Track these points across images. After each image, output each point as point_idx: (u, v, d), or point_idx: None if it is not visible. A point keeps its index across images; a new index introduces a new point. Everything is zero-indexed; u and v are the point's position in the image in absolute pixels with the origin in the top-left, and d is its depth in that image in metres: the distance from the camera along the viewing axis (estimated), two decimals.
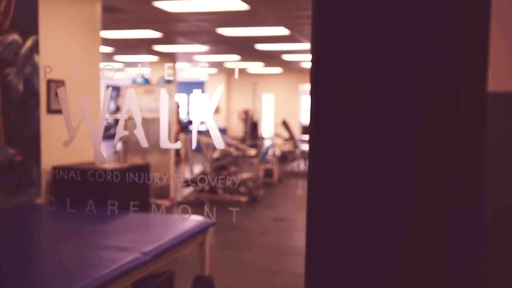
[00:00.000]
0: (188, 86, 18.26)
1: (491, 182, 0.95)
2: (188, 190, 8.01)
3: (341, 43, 0.99)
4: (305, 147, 12.44)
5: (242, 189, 8.06)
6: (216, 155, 8.16)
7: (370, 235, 0.99)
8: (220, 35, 8.52)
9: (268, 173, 10.12)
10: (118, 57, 11.96)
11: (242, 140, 11.91)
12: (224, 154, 8.13)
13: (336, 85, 0.99)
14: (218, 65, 14.31)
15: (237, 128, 15.68)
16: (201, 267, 3.63)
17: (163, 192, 7.26)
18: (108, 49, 10.31)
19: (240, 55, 11.93)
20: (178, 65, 13.70)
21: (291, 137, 12.55)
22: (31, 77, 3.95)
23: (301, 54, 11.44)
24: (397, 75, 0.97)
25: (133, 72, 14.41)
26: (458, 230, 0.94)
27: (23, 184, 3.89)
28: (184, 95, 17.63)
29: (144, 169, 5.10)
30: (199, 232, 3.42)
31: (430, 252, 0.95)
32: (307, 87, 17.26)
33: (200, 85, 18.31)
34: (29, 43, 3.94)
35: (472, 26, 0.92)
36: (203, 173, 8.08)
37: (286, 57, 12.08)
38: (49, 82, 4.21)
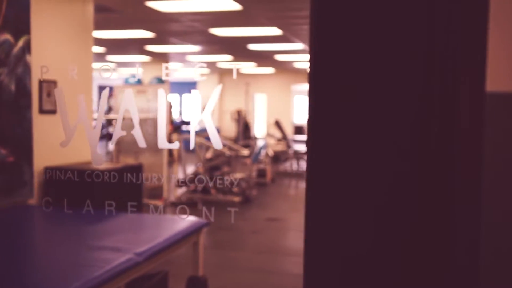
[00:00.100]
0: (180, 86, 18.21)
1: (490, 182, 0.95)
2: (181, 191, 7.99)
3: (340, 43, 0.98)
4: (298, 147, 12.46)
5: (235, 189, 8.06)
6: (209, 155, 8.15)
7: (370, 235, 0.99)
8: (213, 35, 8.51)
9: (261, 173, 10.13)
10: (110, 57, 11.91)
11: (235, 140, 11.90)
12: (217, 154, 8.12)
13: (335, 84, 0.99)
14: (211, 65, 14.28)
15: (230, 128, 15.67)
16: (194, 268, 3.62)
17: (156, 193, 7.24)
18: (100, 49, 10.27)
19: (233, 55, 11.92)
20: (171, 65, 13.67)
21: (284, 137, 12.56)
22: (23, 77, 3.93)
23: (294, 54, 11.45)
24: (397, 75, 0.96)
25: (125, 72, 14.37)
26: (458, 230, 0.94)
27: (15, 185, 3.86)
28: (176, 95, 17.59)
29: (137, 169, 5.08)
30: (192, 233, 3.42)
31: (429, 252, 0.95)
32: (299, 87, 17.28)
33: (192, 85, 18.28)
34: (21, 43, 3.92)
35: (472, 26, 0.92)
36: (196, 173, 8.07)
37: (278, 57, 12.09)
38: (41, 82, 4.18)
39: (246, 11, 6.46)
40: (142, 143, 1.11)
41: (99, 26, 6.87)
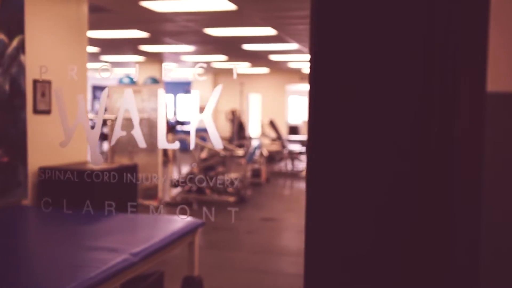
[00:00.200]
0: (174, 86, 18.18)
1: (490, 182, 0.95)
2: (175, 191, 7.98)
3: (340, 43, 0.98)
4: (293, 147, 12.47)
5: (230, 189, 8.05)
6: (203, 155, 8.15)
7: (370, 235, 0.99)
8: (207, 35, 8.50)
9: (256, 173, 10.12)
10: (104, 57, 11.88)
11: (230, 140, 11.90)
12: (212, 154, 8.11)
13: (335, 84, 0.98)
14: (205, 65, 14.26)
15: (224, 128, 15.66)
16: (190, 268, 3.61)
17: (151, 193, 7.22)
18: (94, 49, 10.24)
19: (227, 55, 11.92)
20: (168, 65, 13.64)
21: (279, 137, 12.56)
22: (17, 77, 3.91)
23: (288, 54, 11.45)
24: (397, 75, 0.96)
25: (119, 72, 14.33)
26: (458, 230, 0.94)
27: (10, 185, 3.84)
28: (170, 95, 17.56)
29: (132, 169, 5.06)
30: (188, 233, 3.41)
31: (429, 252, 0.95)
32: (294, 87, 17.29)
33: (186, 85, 18.25)
34: (15, 43, 3.90)
35: (472, 26, 0.92)
36: (191, 173, 8.06)
37: (273, 57, 12.09)
38: (35, 82, 4.16)
39: (241, 11, 6.46)
40: (142, 143, 1.10)
41: (93, 26, 6.85)
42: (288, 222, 7.00)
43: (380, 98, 0.97)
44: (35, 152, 4.12)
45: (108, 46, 10.06)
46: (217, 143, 1.10)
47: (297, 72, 16.28)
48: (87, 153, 4.83)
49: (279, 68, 15.62)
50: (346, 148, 1.00)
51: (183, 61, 12.82)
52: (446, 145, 0.93)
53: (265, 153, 10.77)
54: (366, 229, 0.99)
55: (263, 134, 13.80)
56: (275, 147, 12.23)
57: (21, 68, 3.93)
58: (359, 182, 0.99)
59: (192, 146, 1.18)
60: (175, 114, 17.19)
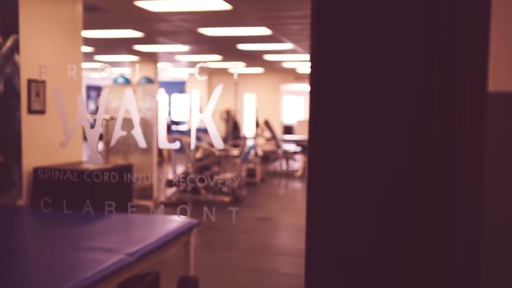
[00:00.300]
0: (169, 86, 18.15)
1: (491, 182, 0.95)
2: (170, 191, 7.97)
3: (340, 43, 0.98)
4: (287, 147, 12.47)
5: (225, 189, 8.05)
6: (198, 155, 8.13)
7: (370, 235, 0.99)
8: (202, 35, 8.48)
9: (251, 173, 10.12)
10: (98, 57, 11.85)
11: (224, 140, 11.88)
12: (207, 154, 8.10)
13: (336, 84, 0.98)
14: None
15: (219, 128, 15.65)
16: (186, 268, 3.61)
17: (146, 193, 7.21)
18: (88, 49, 10.21)
19: (222, 55, 11.91)
20: (164, 65, 13.62)
21: (273, 137, 12.56)
22: (12, 77, 3.89)
23: (283, 54, 11.46)
24: (397, 74, 0.96)
25: (113, 72, 14.29)
26: (458, 230, 0.94)
27: (4, 186, 3.83)
28: (165, 95, 17.52)
29: (127, 169, 5.05)
30: (183, 233, 3.41)
31: (429, 252, 0.95)
32: (288, 87, 17.30)
33: (181, 85, 18.22)
34: (9, 42, 3.88)
35: (472, 26, 0.92)
36: (186, 173, 8.05)
37: (267, 57, 12.09)
38: (29, 82, 4.14)
39: (236, 11, 6.45)
40: (142, 143, 1.10)
41: (87, 25, 6.83)
42: (283, 222, 7.01)
43: (380, 98, 0.97)
44: (29, 152, 4.10)
45: (103, 46, 10.03)
46: (217, 143, 1.10)
47: (291, 72, 16.29)
48: (81, 153, 4.81)
49: (273, 68, 15.63)
50: (346, 148, 1.00)
51: (178, 61, 12.80)
52: (446, 145, 0.93)
53: (260, 152, 10.77)
54: (366, 229, 0.99)
55: (258, 134, 13.79)
56: (270, 146, 12.23)
57: (16, 68, 3.91)
58: (360, 182, 0.99)
59: (192, 146, 1.17)
60: (169, 114, 17.16)
